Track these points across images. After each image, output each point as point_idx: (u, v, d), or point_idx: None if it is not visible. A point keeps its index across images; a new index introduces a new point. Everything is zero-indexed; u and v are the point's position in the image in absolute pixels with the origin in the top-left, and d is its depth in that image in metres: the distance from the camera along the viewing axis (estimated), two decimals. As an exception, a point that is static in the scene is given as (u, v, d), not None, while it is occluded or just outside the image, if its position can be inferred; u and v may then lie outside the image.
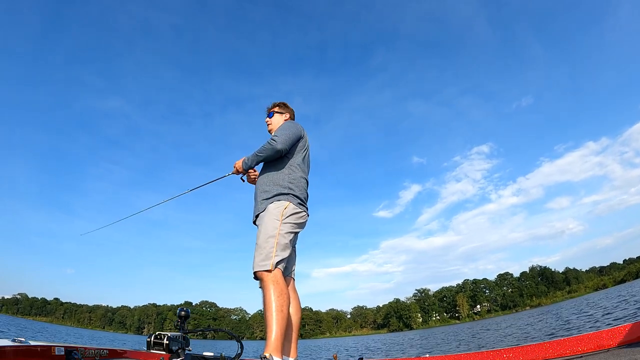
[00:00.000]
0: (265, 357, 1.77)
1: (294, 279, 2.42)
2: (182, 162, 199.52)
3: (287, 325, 2.03)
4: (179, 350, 2.17)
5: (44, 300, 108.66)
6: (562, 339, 2.42)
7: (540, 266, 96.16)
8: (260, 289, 2.04)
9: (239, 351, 2.07)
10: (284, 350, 2.10)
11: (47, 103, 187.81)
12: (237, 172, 2.52)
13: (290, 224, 2.18)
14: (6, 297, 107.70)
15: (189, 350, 2.26)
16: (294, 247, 2.41)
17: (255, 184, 2.49)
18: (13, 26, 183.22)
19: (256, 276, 2.05)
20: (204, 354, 2.28)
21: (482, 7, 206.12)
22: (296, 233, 2.30)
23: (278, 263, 2.04)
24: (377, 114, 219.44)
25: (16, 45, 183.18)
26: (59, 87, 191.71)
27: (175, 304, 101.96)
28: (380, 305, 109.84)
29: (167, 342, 2.09)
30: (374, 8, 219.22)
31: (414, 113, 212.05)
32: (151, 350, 2.13)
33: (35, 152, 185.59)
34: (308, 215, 2.36)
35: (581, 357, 2.17)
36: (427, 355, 3.03)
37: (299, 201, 2.27)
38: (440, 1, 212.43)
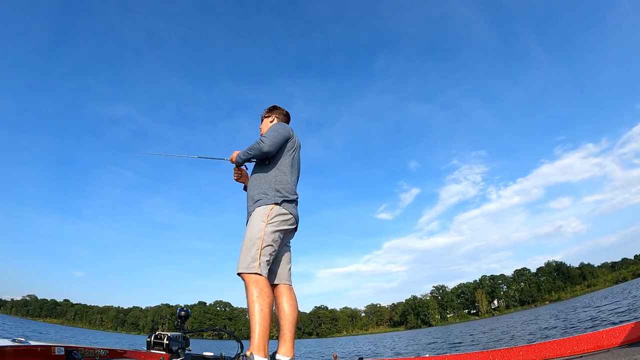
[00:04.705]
0: (245, 355, 1.79)
1: (290, 280, 2.39)
2: (189, 165, 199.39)
3: (284, 325, 2.15)
4: (179, 350, 2.20)
5: (53, 302, 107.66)
6: (562, 339, 2.40)
7: (556, 261, 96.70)
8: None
9: (239, 351, 2.01)
10: (281, 350, 2.13)
11: (56, 110, 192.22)
12: (232, 162, 2.60)
13: (276, 226, 2.18)
14: (15, 298, 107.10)
15: (189, 350, 2.30)
16: (288, 250, 2.44)
17: (245, 183, 2.60)
18: (23, 35, 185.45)
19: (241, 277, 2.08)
20: (204, 354, 2.35)
21: (482, 9, 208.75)
22: (283, 234, 2.27)
23: (262, 266, 2.04)
24: (379, 116, 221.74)
25: (26, 53, 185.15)
26: (67, 94, 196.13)
27: (189, 304, 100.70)
28: (396, 303, 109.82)
29: (167, 342, 2.12)
30: (376, 12, 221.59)
31: (415, 115, 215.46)
32: (151, 350, 2.15)
33: (44, 158, 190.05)
34: (296, 218, 2.35)
35: (581, 357, 2.17)
36: (427, 355, 3.04)
37: (286, 203, 2.27)
38: (441, 4, 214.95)
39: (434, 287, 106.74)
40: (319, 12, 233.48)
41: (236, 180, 2.66)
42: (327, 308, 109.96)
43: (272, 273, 2.25)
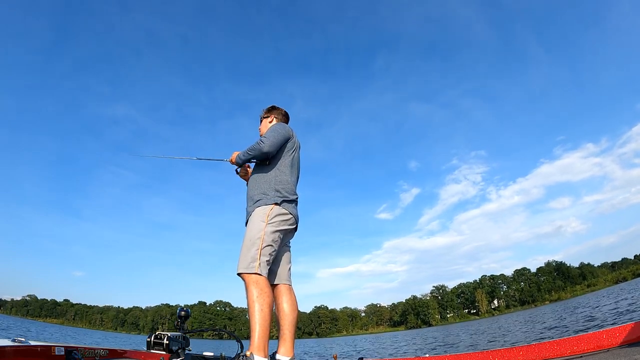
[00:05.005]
0: (245, 355, 1.79)
1: (290, 280, 2.39)
2: (189, 166, 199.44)
3: (284, 325, 2.15)
4: (179, 350, 2.21)
5: (53, 302, 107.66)
6: (562, 339, 2.40)
7: (556, 261, 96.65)
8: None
9: (239, 351, 2.01)
10: (281, 350, 2.12)
11: (56, 110, 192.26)
12: (232, 163, 2.60)
13: (276, 226, 2.18)
14: (15, 298, 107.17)
15: (189, 350, 2.31)
16: (288, 250, 2.44)
17: (247, 180, 2.56)
18: (23, 35, 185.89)
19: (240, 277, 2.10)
20: (204, 354, 2.35)
21: (482, 9, 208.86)
22: (283, 234, 2.27)
23: (262, 266, 2.04)
24: (379, 116, 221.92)
25: (26, 53, 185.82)
26: (67, 94, 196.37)
27: (189, 304, 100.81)
28: (396, 303, 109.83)
29: (167, 342, 2.12)
30: (376, 12, 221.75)
31: (415, 115, 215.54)
32: (151, 350, 2.15)
33: (44, 158, 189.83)
34: (296, 218, 2.35)
35: (581, 357, 2.16)
36: (427, 355, 3.03)
37: (285, 203, 2.28)
38: (441, 4, 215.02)
39: (434, 287, 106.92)
40: (319, 12, 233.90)
41: (242, 177, 2.67)
42: (327, 308, 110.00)
43: (272, 273, 2.25)
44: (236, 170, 2.66)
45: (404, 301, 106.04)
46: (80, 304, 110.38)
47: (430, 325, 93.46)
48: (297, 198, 2.41)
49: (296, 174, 2.53)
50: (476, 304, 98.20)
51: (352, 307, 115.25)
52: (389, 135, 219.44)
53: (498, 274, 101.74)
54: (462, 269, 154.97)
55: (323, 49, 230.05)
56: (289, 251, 2.47)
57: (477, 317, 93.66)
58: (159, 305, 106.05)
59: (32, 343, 2.48)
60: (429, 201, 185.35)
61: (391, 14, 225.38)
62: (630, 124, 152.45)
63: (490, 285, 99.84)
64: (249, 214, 2.30)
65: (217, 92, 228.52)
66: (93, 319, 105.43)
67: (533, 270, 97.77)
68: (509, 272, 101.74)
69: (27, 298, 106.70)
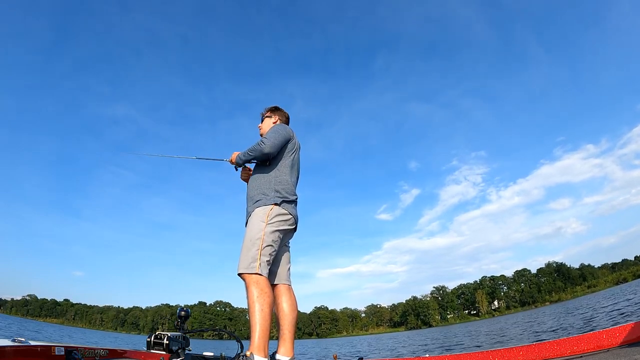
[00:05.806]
0: (245, 355, 1.80)
1: (289, 280, 2.42)
2: (189, 166, 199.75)
3: (284, 325, 2.18)
4: (179, 350, 2.22)
5: (53, 302, 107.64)
6: (562, 339, 2.40)
7: (557, 262, 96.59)
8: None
9: (239, 351, 2.01)
10: (281, 350, 2.14)
11: (56, 110, 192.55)
12: (232, 163, 2.60)
13: (276, 226, 2.20)
14: (16, 298, 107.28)
15: (189, 350, 2.32)
16: (287, 250, 2.46)
17: (247, 181, 2.57)
18: (23, 35, 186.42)
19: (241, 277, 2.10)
20: (204, 354, 2.37)
21: (482, 9, 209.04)
22: (283, 234, 2.28)
23: (262, 266, 2.05)
24: (379, 116, 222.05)
25: (26, 53, 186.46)
26: (67, 94, 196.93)
27: (189, 304, 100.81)
28: (396, 304, 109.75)
29: (167, 342, 2.14)
30: (376, 12, 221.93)
31: (415, 115, 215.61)
32: (151, 350, 2.16)
33: (44, 158, 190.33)
34: (295, 218, 2.36)
35: (581, 357, 2.16)
36: (427, 355, 3.06)
37: (285, 204, 2.29)
38: (441, 4, 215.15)
39: (434, 287, 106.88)
40: (319, 12, 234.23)
41: (244, 179, 2.66)
42: (327, 308, 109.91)
43: (271, 273, 2.25)
44: (236, 168, 2.66)
45: (404, 302, 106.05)
46: (80, 303, 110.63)
47: (430, 326, 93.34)
48: (296, 198, 2.43)
49: (296, 175, 2.54)
50: (476, 305, 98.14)
51: (352, 308, 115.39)
52: (389, 135, 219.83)
53: (498, 275, 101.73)
54: (462, 269, 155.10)
55: (323, 49, 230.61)
56: (289, 251, 2.48)
57: (477, 318, 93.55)
58: (159, 305, 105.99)
59: (32, 343, 2.48)
60: (429, 202, 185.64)
61: (391, 14, 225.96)
62: (630, 124, 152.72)
63: (491, 286, 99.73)
64: (248, 214, 2.30)
65: (217, 92, 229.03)
66: (93, 319, 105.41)
67: (533, 271, 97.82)
68: (509, 272, 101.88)
69: (27, 298, 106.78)
